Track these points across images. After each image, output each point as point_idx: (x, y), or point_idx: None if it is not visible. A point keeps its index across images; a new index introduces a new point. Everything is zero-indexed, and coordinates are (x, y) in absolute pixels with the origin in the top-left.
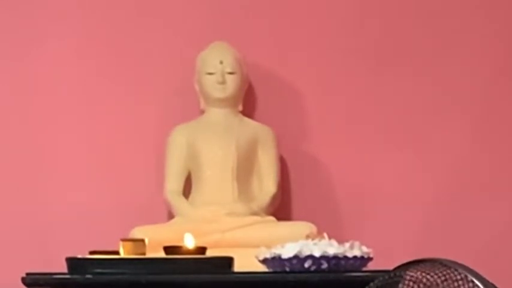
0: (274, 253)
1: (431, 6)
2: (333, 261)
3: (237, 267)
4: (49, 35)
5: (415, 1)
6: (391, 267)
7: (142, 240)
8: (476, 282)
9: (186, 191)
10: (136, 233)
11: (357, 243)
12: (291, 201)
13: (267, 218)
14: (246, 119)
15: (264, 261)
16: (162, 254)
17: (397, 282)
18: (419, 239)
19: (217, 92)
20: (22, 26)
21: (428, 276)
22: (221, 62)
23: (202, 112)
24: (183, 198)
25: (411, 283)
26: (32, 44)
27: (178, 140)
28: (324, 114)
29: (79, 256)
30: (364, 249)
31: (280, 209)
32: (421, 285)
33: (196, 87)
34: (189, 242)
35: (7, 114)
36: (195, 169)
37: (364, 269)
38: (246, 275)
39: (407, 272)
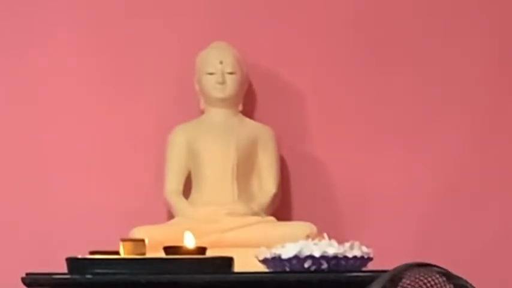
0: (274, 253)
1: (431, 6)
2: (333, 261)
3: (237, 267)
4: (49, 35)
5: (415, 1)
6: (391, 267)
7: (142, 240)
8: None
9: (186, 191)
10: (136, 233)
11: (356, 243)
12: (291, 201)
13: (267, 218)
14: (246, 119)
15: (264, 261)
16: (162, 254)
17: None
18: (419, 239)
19: (217, 92)
20: (22, 26)
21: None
22: (221, 62)
23: (202, 112)
24: (183, 198)
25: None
26: (32, 44)
27: (178, 139)
28: (324, 114)
29: (79, 256)
30: (364, 249)
31: (280, 209)
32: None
33: (196, 87)
34: (189, 241)
35: (7, 114)
36: (195, 169)
37: (364, 269)
38: (246, 275)
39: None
